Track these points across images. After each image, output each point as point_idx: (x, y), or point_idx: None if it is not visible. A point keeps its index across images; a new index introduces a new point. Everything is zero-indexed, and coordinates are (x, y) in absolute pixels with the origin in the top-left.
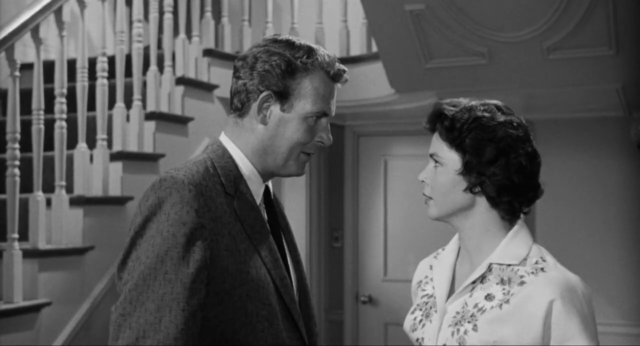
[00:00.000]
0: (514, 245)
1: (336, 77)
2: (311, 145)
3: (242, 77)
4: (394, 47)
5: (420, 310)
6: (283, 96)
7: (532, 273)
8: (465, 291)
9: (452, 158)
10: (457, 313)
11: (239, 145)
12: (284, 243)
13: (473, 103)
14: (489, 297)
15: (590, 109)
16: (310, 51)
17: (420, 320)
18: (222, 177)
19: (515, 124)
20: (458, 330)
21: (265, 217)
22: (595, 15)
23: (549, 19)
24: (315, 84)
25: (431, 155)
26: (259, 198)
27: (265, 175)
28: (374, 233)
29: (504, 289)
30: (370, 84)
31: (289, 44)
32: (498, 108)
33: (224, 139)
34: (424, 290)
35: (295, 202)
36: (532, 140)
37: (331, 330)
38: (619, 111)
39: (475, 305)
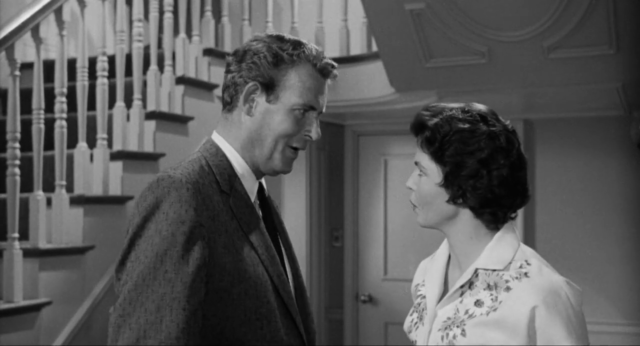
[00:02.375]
0: (499, 249)
1: (323, 70)
2: (298, 138)
3: (232, 71)
4: (394, 46)
5: (416, 312)
6: (269, 87)
7: (517, 278)
8: (454, 296)
9: (433, 170)
10: (448, 318)
11: (231, 142)
12: (279, 240)
13: (454, 111)
14: (478, 303)
15: (591, 108)
16: (297, 44)
17: (415, 322)
18: (216, 175)
19: (497, 133)
20: (447, 334)
21: (260, 214)
22: (595, 14)
23: (549, 18)
24: (302, 76)
25: (415, 163)
26: (253, 196)
27: (258, 172)
28: (374, 233)
29: (491, 295)
30: (370, 83)
31: (278, 38)
32: (482, 116)
33: (216, 137)
34: (419, 291)
35: (296, 202)
36: (517, 147)
37: (331, 329)
38: (619, 110)
39: (466, 312)
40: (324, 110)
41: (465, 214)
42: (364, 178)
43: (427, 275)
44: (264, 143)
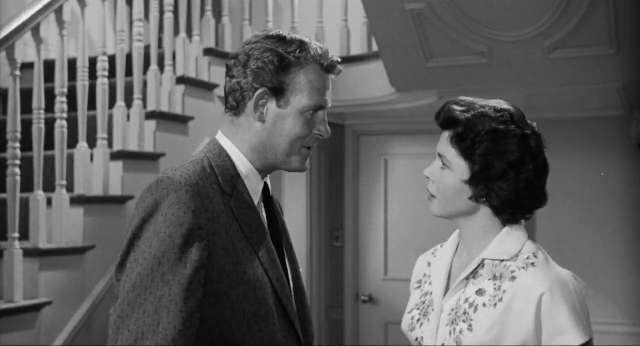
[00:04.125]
0: (506, 241)
1: (330, 68)
2: (310, 138)
3: (236, 75)
4: (394, 46)
5: (418, 309)
6: (278, 92)
7: (523, 268)
8: (459, 287)
9: (459, 165)
10: (452, 310)
11: (236, 143)
12: (281, 242)
13: (487, 109)
14: (479, 292)
15: (591, 108)
16: (302, 45)
17: (418, 319)
18: (219, 176)
19: (528, 136)
20: (454, 329)
21: (264, 215)
22: (595, 14)
23: (549, 17)
24: (310, 78)
25: (439, 155)
26: (257, 197)
27: (265, 171)
28: (374, 232)
29: (494, 284)
30: (371, 83)
31: (280, 39)
32: (512, 116)
33: (221, 138)
34: (422, 290)
35: (296, 201)
36: (543, 151)
37: (331, 329)
38: (619, 110)
39: (466, 300)
40: (330, 105)
41: (485, 211)
42: (364, 177)
43: (434, 270)
44: (278, 148)
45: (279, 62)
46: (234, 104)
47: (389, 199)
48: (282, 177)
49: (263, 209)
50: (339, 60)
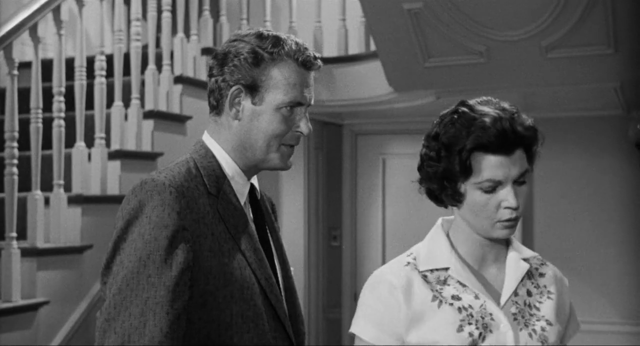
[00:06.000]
0: (518, 243)
1: (306, 63)
2: (290, 136)
3: (215, 74)
4: (392, 46)
5: (470, 324)
6: (253, 89)
7: (541, 264)
8: (512, 292)
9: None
10: (514, 314)
11: (221, 144)
12: (270, 242)
13: (521, 114)
14: (528, 293)
15: (589, 108)
16: (277, 40)
17: (480, 333)
18: (204, 178)
19: None
20: (535, 331)
21: (251, 216)
22: (593, 13)
23: (547, 17)
24: (285, 73)
25: (523, 174)
26: (243, 198)
27: (249, 172)
28: (373, 232)
29: (532, 283)
30: (369, 83)
31: (257, 36)
32: None
33: (207, 138)
34: (454, 306)
35: (294, 201)
36: None
37: (329, 329)
38: (617, 110)
39: (524, 303)
40: (312, 102)
41: None
42: (362, 177)
43: (466, 282)
44: (256, 145)
45: (253, 59)
46: (215, 104)
47: (387, 199)
48: (279, 177)
49: (250, 210)
50: (316, 55)
